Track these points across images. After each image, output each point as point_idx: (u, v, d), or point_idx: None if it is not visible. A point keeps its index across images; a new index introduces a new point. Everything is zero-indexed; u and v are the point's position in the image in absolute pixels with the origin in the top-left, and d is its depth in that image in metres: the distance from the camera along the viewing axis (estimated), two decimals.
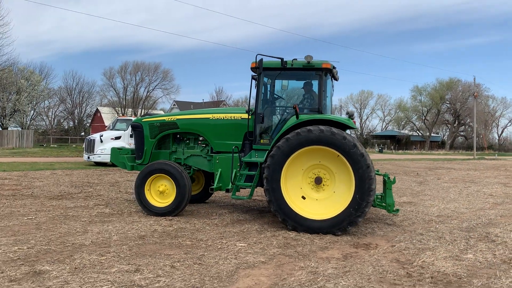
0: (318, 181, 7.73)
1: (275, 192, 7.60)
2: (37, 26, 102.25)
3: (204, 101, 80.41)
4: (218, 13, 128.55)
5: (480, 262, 6.00)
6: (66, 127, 73.87)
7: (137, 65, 64.87)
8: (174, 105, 79.80)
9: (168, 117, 9.60)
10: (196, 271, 5.27)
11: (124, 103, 64.08)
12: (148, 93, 65.72)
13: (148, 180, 8.76)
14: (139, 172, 9.07)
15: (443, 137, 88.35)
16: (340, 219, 7.35)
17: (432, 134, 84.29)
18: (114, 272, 5.09)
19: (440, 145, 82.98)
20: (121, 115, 55.06)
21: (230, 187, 8.54)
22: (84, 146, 23.69)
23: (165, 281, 4.86)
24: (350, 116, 8.33)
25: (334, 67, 8.56)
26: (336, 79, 9.14)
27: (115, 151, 10.08)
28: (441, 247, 6.76)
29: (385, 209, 8.35)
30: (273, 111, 8.85)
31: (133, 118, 23.67)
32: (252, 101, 8.76)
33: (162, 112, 60.87)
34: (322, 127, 7.50)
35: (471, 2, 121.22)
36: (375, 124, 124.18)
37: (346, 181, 7.53)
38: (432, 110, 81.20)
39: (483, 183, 17.81)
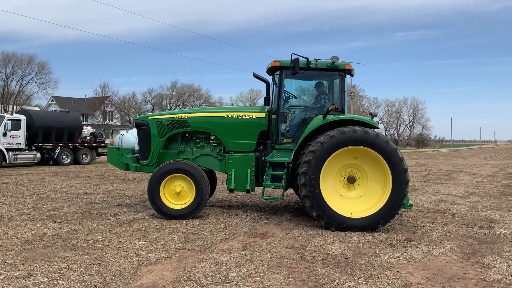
0: (351, 180, 7.83)
1: (313, 188, 7.51)
2: None
3: (87, 97, 75.58)
4: (104, 4, 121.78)
5: (362, 243, 6.75)
6: None
7: (8, 56, 58.73)
8: (52, 100, 73.82)
9: (178, 114, 9.08)
10: (96, 271, 5.07)
11: None
12: (21, 88, 59.95)
13: (163, 181, 8.25)
14: (151, 173, 8.57)
15: None
16: (376, 217, 7.50)
17: None
18: (2, 280, 4.66)
19: None
20: None
21: (249, 187, 8.42)
22: None
23: (62, 284, 4.60)
24: (373, 116, 8.54)
25: (352, 69, 8.78)
26: None
27: (113, 151, 9.35)
28: (329, 232, 7.41)
29: None
30: (295, 111, 8.89)
31: (6, 115, 21.37)
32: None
33: (37, 109, 55.88)
34: (366, 128, 7.65)
35: (350, 9, 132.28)
36: None
37: (380, 180, 7.71)
38: None
39: None
